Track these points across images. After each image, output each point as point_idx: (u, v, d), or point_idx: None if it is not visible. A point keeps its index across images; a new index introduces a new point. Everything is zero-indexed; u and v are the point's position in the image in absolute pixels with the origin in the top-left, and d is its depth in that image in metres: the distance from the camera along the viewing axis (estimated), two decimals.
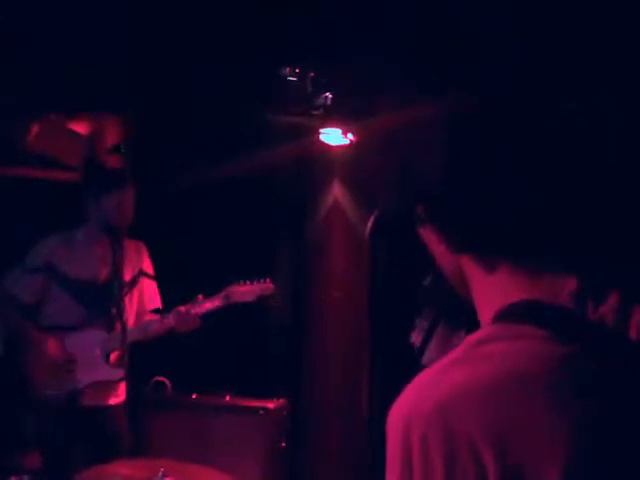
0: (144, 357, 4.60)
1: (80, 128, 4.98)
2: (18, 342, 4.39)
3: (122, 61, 4.37)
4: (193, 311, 4.47)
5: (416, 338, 2.99)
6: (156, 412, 5.07)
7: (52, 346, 4.35)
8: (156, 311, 4.68)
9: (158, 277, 4.76)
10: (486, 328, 1.25)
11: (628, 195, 1.27)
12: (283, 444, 5.11)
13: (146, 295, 4.68)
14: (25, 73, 4.31)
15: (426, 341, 2.87)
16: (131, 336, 4.38)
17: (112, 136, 5.02)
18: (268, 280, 4.63)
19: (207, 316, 4.55)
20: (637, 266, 1.28)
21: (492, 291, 1.26)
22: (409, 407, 1.15)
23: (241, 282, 4.58)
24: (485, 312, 1.28)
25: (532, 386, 1.11)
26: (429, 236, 1.31)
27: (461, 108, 1.29)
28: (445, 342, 2.92)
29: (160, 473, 3.03)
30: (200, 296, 4.52)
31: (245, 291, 4.58)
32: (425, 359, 2.89)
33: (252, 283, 4.60)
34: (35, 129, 4.84)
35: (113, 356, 4.48)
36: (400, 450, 1.13)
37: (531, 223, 1.21)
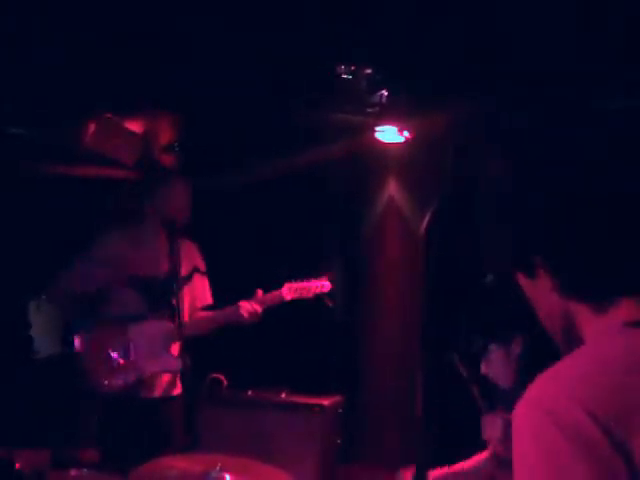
0: (201, 354, 4.63)
1: (135, 127, 5.03)
2: (80, 336, 4.45)
3: (173, 59, 4.39)
4: (255, 306, 4.53)
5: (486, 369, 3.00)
6: (212, 408, 5.11)
7: (114, 338, 4.41)
8: (208, 308, 4.73)
9: (213, 272, 4.81)
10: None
11: None
12: (338, 441, 5.11)
13: (198, 291, 4.73)
14: (78, 73, 4.35)
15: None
16: (192, 328, 4.49)
17: (166, 134, 5.06)
18: (325, 277, 4.66)
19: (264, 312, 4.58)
20: None
21: (607, 328, 1.39)
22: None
23: (298, 279, 4.62)
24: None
25: None
26: (541, 284, 1.46)
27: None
28: (505, 356, 2.91)
29: (217, 467, 3.04)
30: (260, 291, 4.58)
31: (303, 287, 4.62)
32: (485, 369, 2.88)
33: (309, 280, 4.63)
34: (91, 128, 4.90)
35: (174, 347, 4.53)
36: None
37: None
